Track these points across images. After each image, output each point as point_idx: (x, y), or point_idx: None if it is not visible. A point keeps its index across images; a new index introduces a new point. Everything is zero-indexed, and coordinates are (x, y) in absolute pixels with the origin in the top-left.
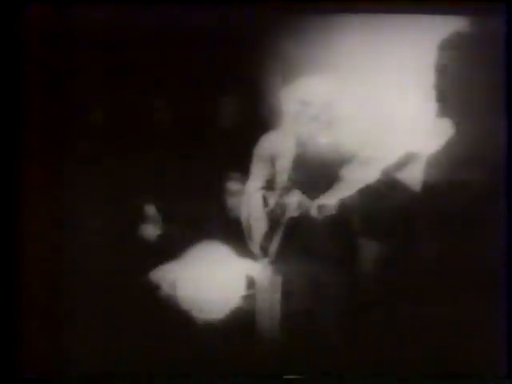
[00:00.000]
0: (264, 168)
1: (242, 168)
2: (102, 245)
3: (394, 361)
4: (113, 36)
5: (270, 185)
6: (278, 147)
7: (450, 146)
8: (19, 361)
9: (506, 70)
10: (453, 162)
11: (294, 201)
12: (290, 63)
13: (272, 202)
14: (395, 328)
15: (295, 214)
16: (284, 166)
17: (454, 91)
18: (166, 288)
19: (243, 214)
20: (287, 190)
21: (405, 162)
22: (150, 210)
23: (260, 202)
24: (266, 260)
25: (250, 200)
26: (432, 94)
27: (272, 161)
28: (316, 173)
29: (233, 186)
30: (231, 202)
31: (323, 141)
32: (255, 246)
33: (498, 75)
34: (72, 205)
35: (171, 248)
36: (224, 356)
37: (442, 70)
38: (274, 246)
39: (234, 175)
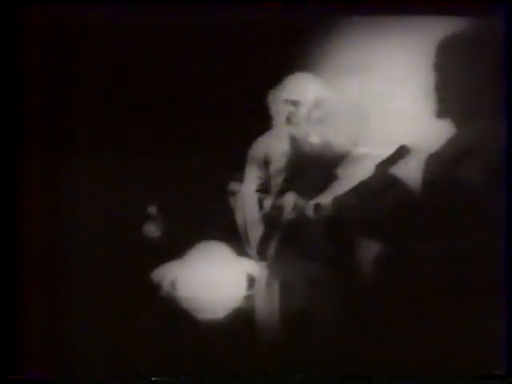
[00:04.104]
0: (258, 170)
1: (243, 168)
2: (103, 244)
3: (393, 361)
4: (113, 36)
5: (264, 187)
6: (271, 149)
7: (449, 146)
8: (19, 361)
9: (506, 71)
10: (452, 162)
11: (290, 202)
12: (281, 63)
13: (267, 204)
14: (395, 328)
15: (291, 215)
16: (278, 167)
17: (454, 91)
18: (166, 287)
19: (238, 218)
20: (282, 191)
21: (400, 155)
22: (152, 209)
23: (255, 205)
24: (264, 263)
25: (245, 204)
26: (431, 94)
27: (266, 163)
28: (310, 173)
29: (234, 186)
30: (232, 202)
31: (316, 140)
32: (252, 250)
33: (497, 75)
34: (72, 204)
35: (172, 247)
36: (224, 355)
37: (441, 70)
38: (271, 250)
39: (235, 175)
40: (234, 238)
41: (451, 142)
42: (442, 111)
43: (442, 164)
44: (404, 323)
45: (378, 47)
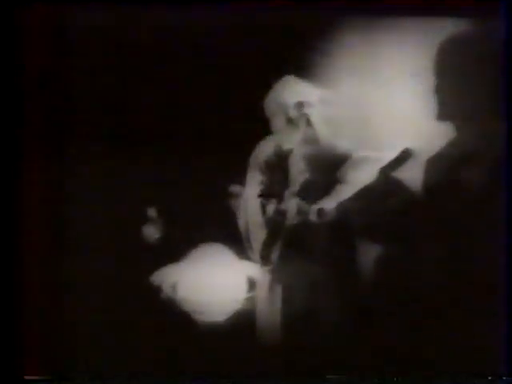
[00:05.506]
0: (260, 174)
1: (245, 172)
2: (103, 247)
3: (393, 361)
4: (113, 36)
5: (267, 192)
6: (274, 153)
7: (449, 147)
8: (20, 361)
9: (506, 70)
10: (453, 163)
11: (293, 207)
12: (283, 65)
13: (270, 209)
14: (395, 329)
15: (295, 220)
16: (281, 171)
17: (455, 92)
18: (166, 290)
19: (241, 222)
20: (285, 196)
21: (403, 159)
22: (152, 212)
23: (257, 210)
24: (267, 268)
25: (247, 208)
26: (432, 96)
27: (268, 167)
28: (313, 177)
29: (235, 188)
30: (233, 204)
31: (320, 144)
32: (255, 255)
33: (497, 75)
34: (72, 206)
35: (172, 250)
36: (225, 358)
37: (441, 70)
38: (274, 254)
39: (236, 178)
40: (235, 241)
41: (453, 144)
42: (443, 113)
43: (444, 166)
44: (405, 325)
45: (378, 48)
